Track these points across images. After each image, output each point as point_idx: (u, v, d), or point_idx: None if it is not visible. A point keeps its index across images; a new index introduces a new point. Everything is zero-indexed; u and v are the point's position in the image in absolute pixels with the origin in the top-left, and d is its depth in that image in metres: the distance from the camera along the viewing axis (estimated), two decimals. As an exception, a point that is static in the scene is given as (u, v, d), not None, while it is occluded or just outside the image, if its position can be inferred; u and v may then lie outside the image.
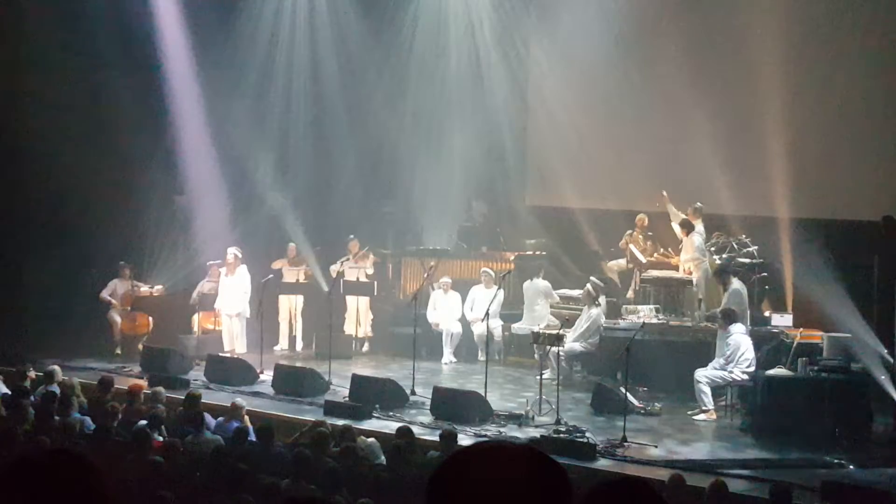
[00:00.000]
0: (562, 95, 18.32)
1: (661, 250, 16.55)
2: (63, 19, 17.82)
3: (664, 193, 16.19)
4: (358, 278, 17.34)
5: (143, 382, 13.56)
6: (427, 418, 12.70)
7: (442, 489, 2.08)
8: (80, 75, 17.92)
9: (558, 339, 14.08)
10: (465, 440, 10.98)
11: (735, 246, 15.60)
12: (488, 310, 14.94)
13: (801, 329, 14.18)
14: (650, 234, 16.68)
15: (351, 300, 17.46)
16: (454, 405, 12.76)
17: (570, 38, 18.13)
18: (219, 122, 18.36)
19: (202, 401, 11.87)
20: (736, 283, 14.11)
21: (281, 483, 8.47)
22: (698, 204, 15.87)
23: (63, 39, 17.82)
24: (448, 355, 16.78)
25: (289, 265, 17.66)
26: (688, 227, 15.65)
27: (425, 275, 17.04)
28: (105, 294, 17.26)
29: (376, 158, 19.11)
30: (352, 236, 17.80)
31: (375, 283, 17.48)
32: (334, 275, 16.91)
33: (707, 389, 13.18)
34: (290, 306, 17.71)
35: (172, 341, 16.44)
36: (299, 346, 17.65)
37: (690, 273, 15.62)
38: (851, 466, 11.07)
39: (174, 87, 18.39)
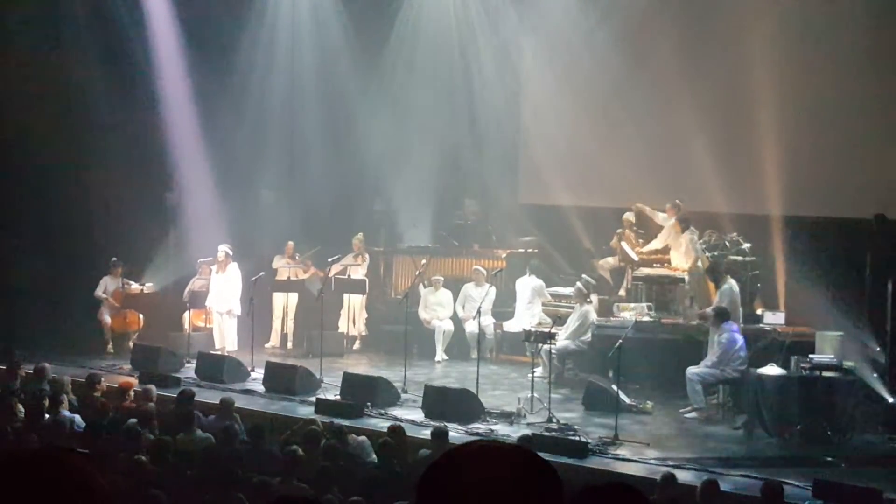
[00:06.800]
0: (554, 93, 18.29)
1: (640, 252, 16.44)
2: (46, 16, 17.78)
3: (637, 205, 16.22)
4: (349, 276, 17.32)
5: (134, 380, 13.53)
6: (418, 416, 12.67)
7: (432, 489, 2.06)
8: (66, 72, 17.87)
9: (550, 337, 14.08)
10: (456, 438, 10.96)
11: (727, 244, 15.59)
12: (480, 307, 14.93)
13: (794, 327, 14.19)
14: (640, 231, 16.66)
15: (346, 298, 17.42)
16: (446, 403, 12.74)
17: (562, 36, 18.10)
18: (208, 118, 18.31)
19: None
20: (728, 281, 14.10)
21: (272, 481, 8.44)
22: (678, 201, 15.85)
23: (49, 35, 17.79)
24: (440, 353, 16.76)
25: (287, 262, 17.65)
26: (684, 225, 15.58)
27: (417, 272, 17.03)
28: (99, 292, 17.24)
29: (367, 156, 19.06)
30: (360, 234, 17.79)
31: (367, 280, 17.45)
32: (333, 271, 16.90)
33: (699, 387, 13.17)
34: (284, 304, 17.68)
35: (163, 339, 16.42)
36: (290, 344, 17.63)
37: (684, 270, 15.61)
38: (843, 464, 11.07)
39: (163, 84, 18.34)
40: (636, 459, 11.12)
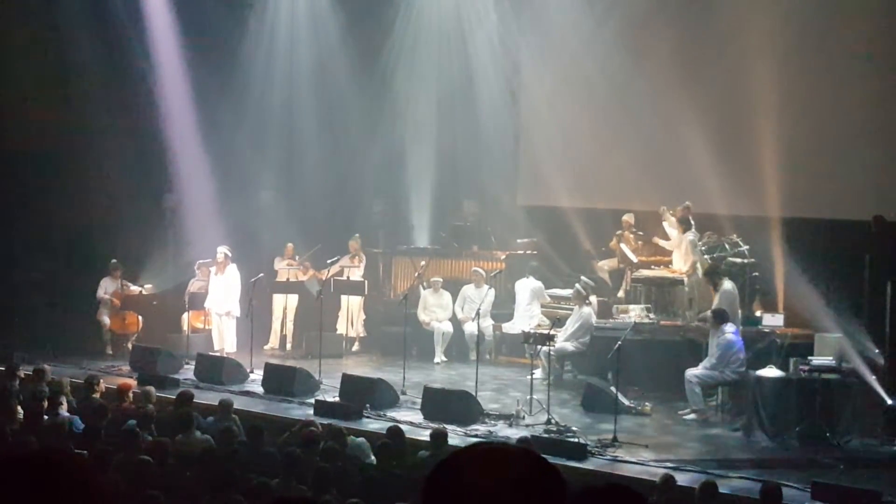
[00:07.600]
0: (553, 95, 18.29)
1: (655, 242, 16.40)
2: (46, 16, 17.79)
3: (663, 208, 16.10)
4: (348, 277, 17.31)
5: (133, 382, 13.53)
6: (417, 418, 12.67)
7: (436, 491, 2.06)
8: (65, 72, 17.86)
9: (549, 339, 14.07)
10: (455, 440, 10.97)
11: (726, 246, 15.56)
12: (479, 309, 14.92)
13: (792, 329, 14.19)
14: (640, 233, 16.63)
15: (343, 299, 17.42)
16: (445, 405, 12.74)
17: (561, 37, 18.10)
18: (208, 118, 18.29)
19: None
20: (727, 283, 14.07)
21: (271, 483, 8.44)
22: (688, 203, 15.83)
23: (48, 35, 17.79)
24: (439, 355, 16.76)
25: (287, 264, 17.65)
26: (685, 225, 15.53)
27: (416, 274, 17.02)
28: (100, 293, 17.22)
29: (366, 157, 19.05)
30: (357, 236, 17.77)
31: (366, 282, 17.44)
32: (329, 273, 16.88)
33: (698, 389, 13.17)
34: (284, 305, 17.68)
35: (162, 340, 16.41)
36: (289, 345, 17.62)
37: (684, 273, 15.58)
38: (842, 466, 11.06)
39: (163, 84, 18.33)
40: (635, 461, 11.12)
